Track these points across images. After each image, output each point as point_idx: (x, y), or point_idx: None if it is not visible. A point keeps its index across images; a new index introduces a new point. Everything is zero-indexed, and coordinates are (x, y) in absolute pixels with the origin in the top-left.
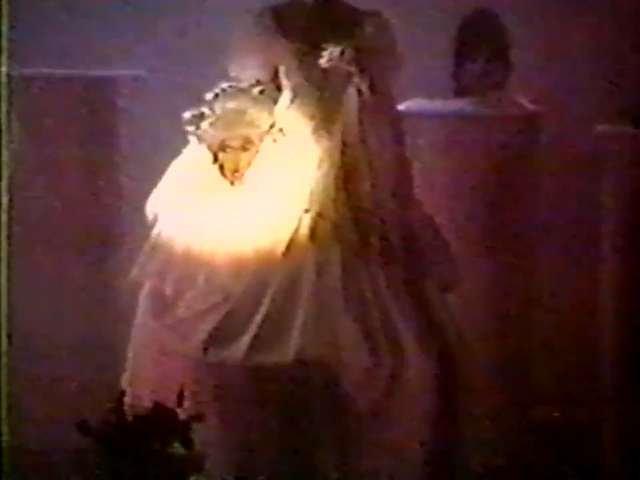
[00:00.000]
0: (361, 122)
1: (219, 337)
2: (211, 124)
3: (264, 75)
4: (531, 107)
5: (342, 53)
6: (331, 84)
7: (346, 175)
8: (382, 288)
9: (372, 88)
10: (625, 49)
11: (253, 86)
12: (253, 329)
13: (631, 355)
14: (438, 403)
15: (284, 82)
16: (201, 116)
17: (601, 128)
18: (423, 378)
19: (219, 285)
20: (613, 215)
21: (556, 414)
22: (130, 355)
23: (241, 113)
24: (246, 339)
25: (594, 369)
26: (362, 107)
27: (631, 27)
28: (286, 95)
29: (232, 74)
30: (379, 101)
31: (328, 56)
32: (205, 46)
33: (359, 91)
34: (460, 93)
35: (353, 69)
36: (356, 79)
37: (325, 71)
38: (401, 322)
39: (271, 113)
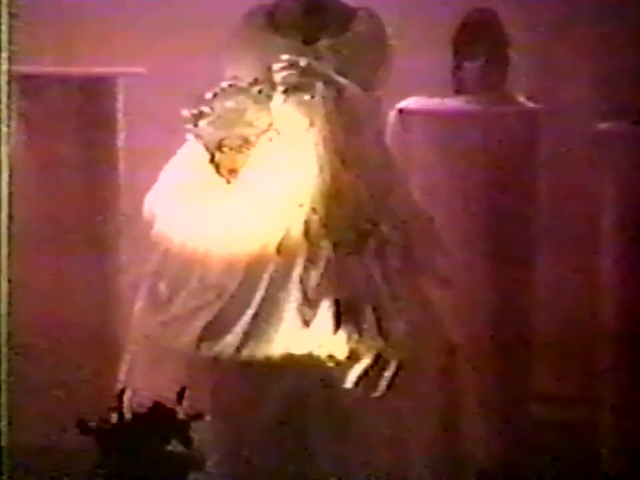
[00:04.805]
0: (354, 119)
1: (212, 332)
2: (209, 123)
3: (258, 73)
4: (530, 105)
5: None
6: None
7: (340, 171)
8: (376, 282)
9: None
10: (624, 46)
11: (252, 85)
12: (244, 324)
13: (630, 354)
14: (434, 397)
15: (277, 80)
16: (200, 114)
17: (600, 126)
18: (418, 371)
19: (212, 283)
20: (613, 213)
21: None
22: (127, 352)
23: (240, 112)
24: (238, 334)
25: (594, 367)
26: (356, 105)
27: (631, 25)
28: (280, 92)
29: (227, 73)
30: (371, 99)
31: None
32: (204, 45)
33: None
34: (459, 91)
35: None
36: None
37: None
38: (395, 316)
39: (269, 113)
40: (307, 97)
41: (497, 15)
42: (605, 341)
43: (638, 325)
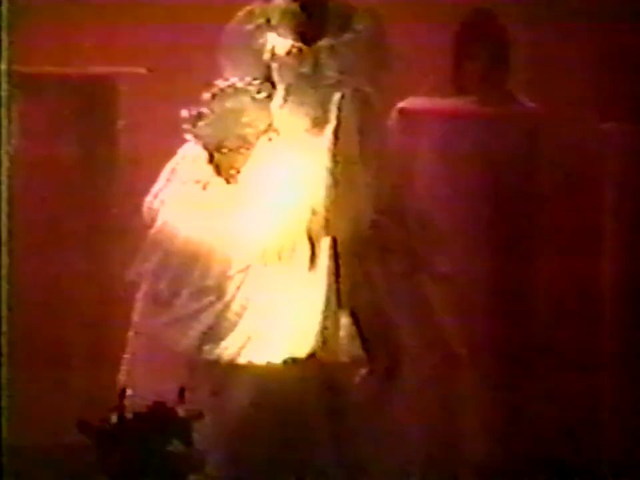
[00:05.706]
0: (355, 119)
1: (213, 334)
2: (208, 124)
3: (257, 74)
4: (531, 105)
5: None
6: (323, 81)
7: (340, 172)
8: (376, 282)
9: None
10: (625, 46)
11: (250, 85)
12: (245, 327)
13: (632, 353)
14: (434, 397)
15: (277, 80)
16: (199, 115)
17: (603, 126)
18: (419, 371)
19: (212, 284)
20: (615, 213)
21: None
22: (128, 353)
23: (239, 113)
24: (238, 336)
25: (595, 363)
26: (356, 105)
27: (632, 24)
28: (280, 92)
29: (226, 74)
30: (373, 98)
31: None
32: (204, 46)
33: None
34: (459, 91)
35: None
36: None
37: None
38: (395, 315)
39: (268, 113)
40: (305, 97)
41: (497, 15)
42: (606, 339)
43: (639, 324)
